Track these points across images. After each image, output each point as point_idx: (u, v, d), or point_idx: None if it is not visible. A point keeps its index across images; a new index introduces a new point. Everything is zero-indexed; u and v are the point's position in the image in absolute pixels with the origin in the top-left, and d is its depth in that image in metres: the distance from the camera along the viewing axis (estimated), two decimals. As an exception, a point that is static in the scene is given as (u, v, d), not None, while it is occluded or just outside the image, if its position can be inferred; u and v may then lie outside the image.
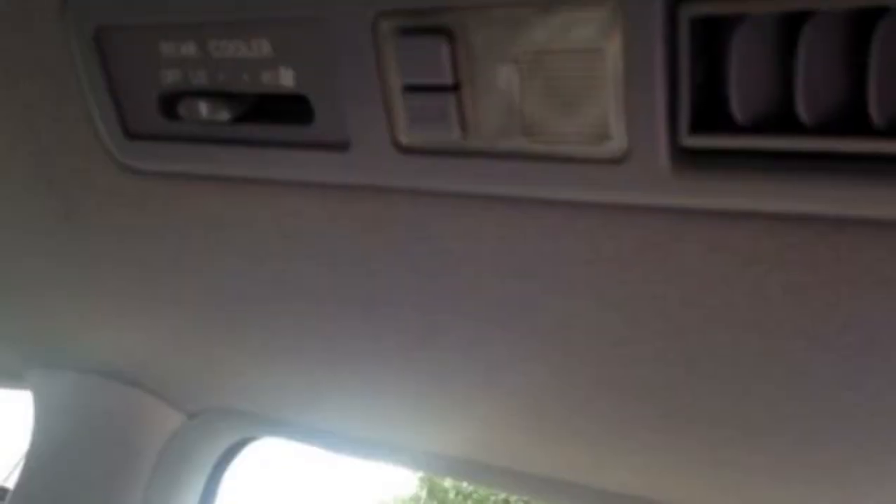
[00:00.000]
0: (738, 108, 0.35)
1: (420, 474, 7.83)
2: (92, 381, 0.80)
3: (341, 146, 0.44)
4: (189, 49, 0.46)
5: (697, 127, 0.36)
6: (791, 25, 0.34)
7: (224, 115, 0.47)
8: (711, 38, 0.35)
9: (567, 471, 0.66)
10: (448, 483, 7.86)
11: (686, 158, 0.37)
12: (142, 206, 0.56)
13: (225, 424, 0.84)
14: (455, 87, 0.40)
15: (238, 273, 0.58)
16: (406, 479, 8.34)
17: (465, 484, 7.31)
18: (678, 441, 0.55)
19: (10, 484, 0.95)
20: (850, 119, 0.34)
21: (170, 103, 0.49)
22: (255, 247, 0.55)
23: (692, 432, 0.53)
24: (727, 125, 0.36)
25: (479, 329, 0.52)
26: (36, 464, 0.84)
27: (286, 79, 0.44)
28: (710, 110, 0.36)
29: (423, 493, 8.36)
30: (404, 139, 0.43)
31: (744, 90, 0.35)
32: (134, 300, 0.66)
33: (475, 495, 7.94)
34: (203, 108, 0.47)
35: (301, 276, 0.55)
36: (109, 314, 0.70)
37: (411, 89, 0.41)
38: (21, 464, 0.85)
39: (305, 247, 0.53)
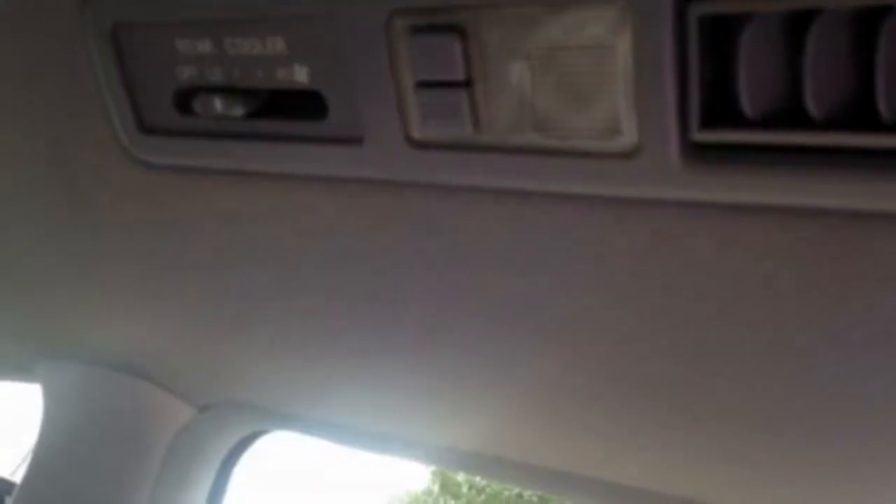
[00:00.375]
0: (747, 104, 0.36)
1: (432, 468, 7.84)
2: (101, 375, 0.81)
3: (354, 141, 0.46)
4: (205, 46, 0.47)
5: (707, 122, 0.37)
6: (799, 23, 0.35)
7: (238, 110, 0.48)
8: (720, 34, 0.36)
9: (579, 465, 0.67)
10: (461, 477, 7.87)
11: (696, 153, 0.38)
12: (154, 200, 0.57)
13: (235, 418, 0.84)
14: (467, 84, 0.41)
15: (250, 267, 0.59)
16: (419, 473, 8.35)
17: (478, 478, 7.32)
18: (689, 436, 0.55)
19: (18, 478, 0.96)
20: (860, 113, 0.35)
21: (185, 99, 0.50)
22: (268, 241, 0.56)
23: (703, 427, 0.54)
24: (737, 120, 0.37)
25: (491, 323, 0.53)
26: (44, 457, 0.85)
27: (300, 75, 0.45)
28: (719, 105, 0.37)
29: (436, 488, 8.37)
30: (417, 134, 0.44)
31: (753, 86, 0.36)
32: (145, 294, 0.67)
33: (488, 489, 7.94)
34: (218, 103, 0.48)
35: (312, 270, 0.56)
36: (120, 307, 0.71)
37: (424, 85, 0.42)
38: (28, 458, 0.87)
39: (317, 241, 0.54)
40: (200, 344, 0.72)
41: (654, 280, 0.45)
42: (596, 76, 0.39)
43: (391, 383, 0.65)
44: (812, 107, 0.35)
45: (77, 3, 0.50)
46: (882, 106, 0.34)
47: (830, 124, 0.35)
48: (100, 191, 0.59)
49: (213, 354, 0.73)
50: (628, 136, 0.39)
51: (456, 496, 8.27)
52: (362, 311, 0.58)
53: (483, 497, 8.14)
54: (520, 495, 7.43)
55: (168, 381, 0.80)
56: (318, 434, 0.82)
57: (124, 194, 0.58)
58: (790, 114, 0.36)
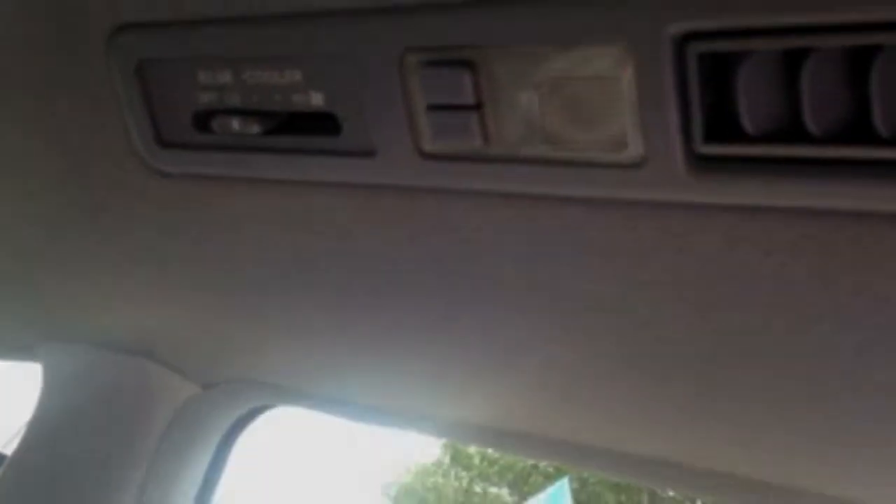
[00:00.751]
0: (748, 125, 0.38)
1: (444, 441, 7.89)
2: (105, 353, 0.83)
3: (367, 153, 0.49)
4: (224, 77, 0.51)
5: (711, 136, 0.40)
6: (795, 57, 0.37)
7: (255, 129, 0.51)
8: (720, 63, 0.39)
9: (593, 436, 0.68)
10: (473, 449, 7.93)
11: (702, 163, 0.41)
12: (168, 202, 0.61)
13: (241, 394, 0.86)
14: (477, 107, 0.44)
15: (261, 261, 0.62)
16: (429, 445, 8.42)
17: (490, 449, 7.37)
18: (702, 409, 0.57)
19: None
20: (858, 130, 0.37)
21: (203, 119, 0.53)
22: (280, 238, 0.59)
23: (718, 404, 0.56)
24: (740, 133, 0.39)
25: (501, 311, 0.56)
26: (39, 429, 0.86)
27: (316, 100, 0.49)
28: (723, 119, 0.39)
29: (447, 459, 8.44)
30: (428, 147, 0.47)
31: (753, 111, 0.38)
32: (153, 280, 0.70)
33: (501, 461, 8.00)
34: (235, 123, 0.51)
35: (324, 263, 0.59)
36: (129, 291, 0.74)
37: (435, 108, 0.45)
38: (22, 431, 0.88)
39: (329, 238, 0.57)
40: (208, 325, 0.74)
41: (664, 272, 0.48)
42: (601, 101, 0.42)
43: (402, 360, 0.67)
44: (811, 126, 0.37)
45: (104, 40, 0.54)
46: (879, 126, 0.36)
47: (830, 139, 0.37)
48: (114, 193, 0.62)
49: (222, 335, 0.75)
50: (635, 149, 0.42)
51: (467, 468, 8.34)
52: (374, 297, 0.61)
53: (496, 468, 8.21)
54: (535, 466, 7.49)
55: (172, 359, 0.82)
56: (326, 409, 0.84)
57: (139, 197, 0.61)
58: (790, 132, 0.38)
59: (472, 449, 7.86)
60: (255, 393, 0.85)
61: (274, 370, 0.78)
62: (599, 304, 0.52)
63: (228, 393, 0.85)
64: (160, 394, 0.84)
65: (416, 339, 0.63)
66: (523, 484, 7.98)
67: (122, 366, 0.83)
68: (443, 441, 7.93)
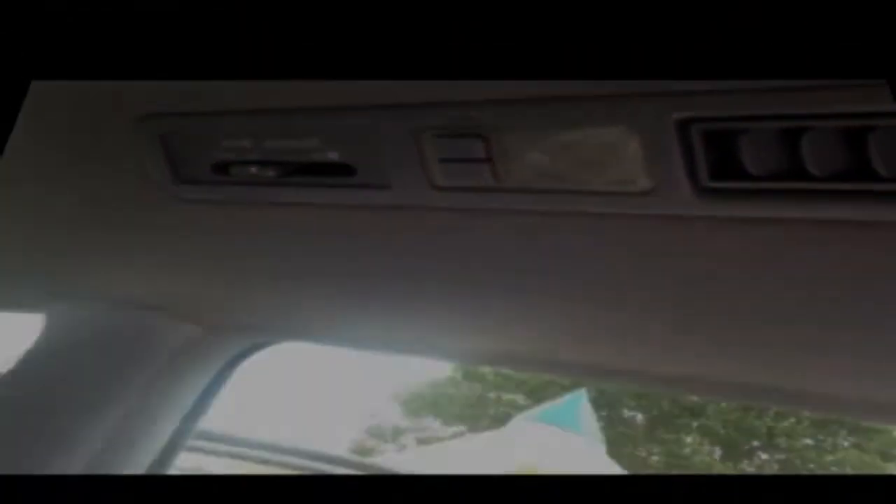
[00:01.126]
0: (752, 170, 0.42)
1: (455, 356, 7.98)
2: (107, 301, 0.85)
3: (381, 187, 0.53)
4: (245, 142, 0.55)
5: (717, 175, 0.43)
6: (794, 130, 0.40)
7: (271, 174, 0.55)
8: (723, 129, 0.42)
9: (615, 359, 0.70)
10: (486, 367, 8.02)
11: (707, 193, 0.44)
12: (183, 214, 0.65)
13: (242, 332, 0.87)
14: (488, 160, 0.49)
15: (267, 249, 0.67)
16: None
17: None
18: (719, 331, 0.61)
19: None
20: (857, 170, 0.40)
21: (222, 167, 0.58)
22: (285, 234, 0.64)
23: (731, 323, 0.59)
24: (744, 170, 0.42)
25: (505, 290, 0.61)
26: (32, 358, 0.89)
27: (332, 156, 0.54)
28: (727, 159, 0.43)
29: (459, 375, 8.56)
30: (440, 183, 0.51)
31: (756, 162, 0.42)
32: (161, 259, 0.75)
33: (516, 376, 8.10)
34: (253, 169, 0.56)
35: (329, 252, 0.65)
36: (136, 268, 0.78)
37: (448, 161, 0.50)
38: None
39: (334, 238, 0.62)
40: (210, 273, 0.77)
41: (669, 269, 0.53)
42: (607, 158, 0.46)
43: (408, 294, 0.69)
44: (813, 170, 0.41)
45: (131, 122, 0.59)
46: (879, 169, 0.39)
47: (830, 178, 0.41)
48: (131, 211, 0.68)
49: (225, 280, 0.77)
50: (643, 184, 0.45)
51: (480, 380, 8.46)
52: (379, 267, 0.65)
53: (511, 382, 8.32)
54: (551, 380, 7.58)
55: (173, 305, 0.83)
56: (331, 343, 0.85)
57: (153, 211, 0.66)
58: (792, 170, 0.41)
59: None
60: (257, 331, 0.87)
61: (277, 309, 0.80)
62: (604, 300, 0.57)
63: (230, 331, 0.87)
64: (158, 334, 0.85)
65: (420, 277, 0.65)
66: (540, 392, 8.09)
67: (123, 311, 0.85)
68: (455, 357, 8.01)
